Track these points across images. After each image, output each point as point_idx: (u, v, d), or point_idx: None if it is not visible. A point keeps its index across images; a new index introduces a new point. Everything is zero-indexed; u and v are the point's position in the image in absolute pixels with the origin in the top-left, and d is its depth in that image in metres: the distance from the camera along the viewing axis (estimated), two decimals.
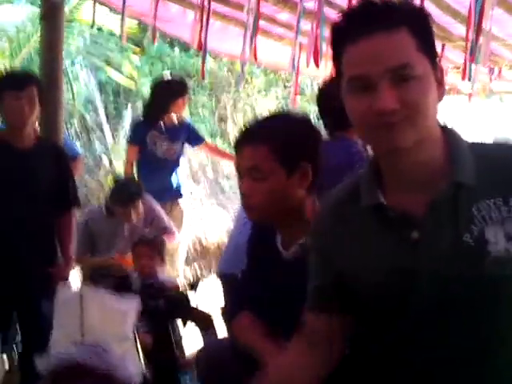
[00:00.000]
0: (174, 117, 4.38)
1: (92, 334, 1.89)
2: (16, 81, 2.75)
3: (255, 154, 1.70)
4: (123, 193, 3.65)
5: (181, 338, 3.12)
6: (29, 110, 2.70)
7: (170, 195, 4.37)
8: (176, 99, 4.32)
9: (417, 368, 1.25)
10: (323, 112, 2.60)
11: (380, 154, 1.23)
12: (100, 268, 3.47)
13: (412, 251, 1.19)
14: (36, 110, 2.75)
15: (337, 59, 1.20)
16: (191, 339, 3.32)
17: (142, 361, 2.08)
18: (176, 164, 4.44)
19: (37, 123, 3.16)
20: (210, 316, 3.08)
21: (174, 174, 4.42)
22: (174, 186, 4.42)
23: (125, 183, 3.82)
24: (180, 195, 4.47)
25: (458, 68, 3.84)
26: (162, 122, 4.32)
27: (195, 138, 4.63)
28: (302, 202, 1.73)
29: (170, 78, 4.79)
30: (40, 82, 2.87)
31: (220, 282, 3.23)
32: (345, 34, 1.17)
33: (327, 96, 2.54)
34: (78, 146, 7.17)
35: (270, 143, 1.68)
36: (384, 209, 1.21)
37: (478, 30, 2.53)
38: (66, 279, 2.90)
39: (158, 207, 3.91)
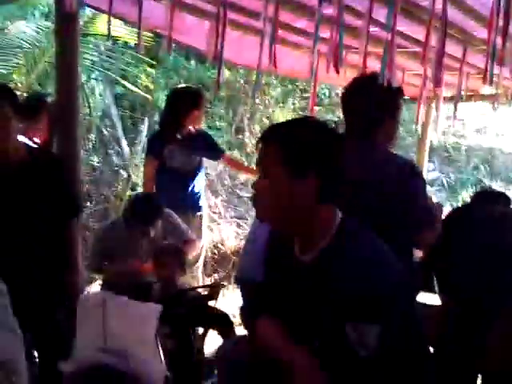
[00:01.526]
0: (191, 129, 4.39)
1: (115, 339, 1.90)
2: None
3: (266, 152, 1.76)
4: (142, 212, 3.63)
5: (202, 343, 3.11)
6: (4, 127, 2.66)
7: (189, 206, 4.36)
8: (192, 111, 4.32)
9: None
10: (352, 118, 2.55)
11: None
12: (120, 276, 3.48)
13: None
14: (11, 124, 2.69)
15: None
16: (212, 344, 3.32)
17: (165, 364, 2.07)
18: (194, 175, 4.44)
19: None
20: (227, 316, 3.07)
21: (192, 185, 4.42)
22: (193, 197, 4.42)
23: (144, 202, 3.78)
24: (199, 206, 4.47)
25: (479, 73, 3.81)
26: (179, 135, 4.32)
27: (214, 151, 4.63)
28: (311, 209, 1.74)
29: (185, 89, 4.76)
30: (14, 96, 2.81)
31: (239, 288, 3.22)
32: None
33: (355, 95, 2.51)
34: (95, 160, 7.26)
35: (280, 144, 1.73)
36: None
37: (504, 33, 2.50)
38: (76, 289, 2.87)
39: (177, 219, 3.91)
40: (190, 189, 4.40)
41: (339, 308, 1.65)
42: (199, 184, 4.51)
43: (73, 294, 2.81)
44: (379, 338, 1.62)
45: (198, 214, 4.46)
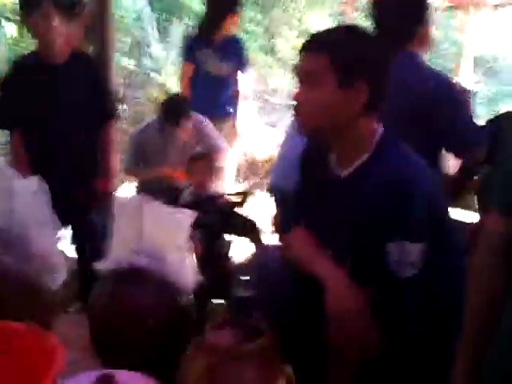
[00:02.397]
0: (227, 34, 4.32)
1: (150, 242, 1.97)
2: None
3: (314, 60, 1.68)
4: (171, 112, 3.68)
5: (229, 249, 3.20)
6: (47, 27, 2.69)
7: (221, 112, 4.36)
8: (230, 15, 4.25)
9: None
10: (385, 29, 2.48)
11: None
12: (150, 182, 3.56)
13: None
14: (58, 25, 2.71)
15: None
16: (241, 250, 3.42)
17: (197, 269, 2.16)
18: (227, 81, 4.40)
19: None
20: (255, 224, 3.14)
21: (224, 91, 4.39)
22: (225, 103, 4.42)
23: (172, 102, 3.82)
24: (231, 112, 4.47)
25: None
26: (214, 39, 4.27)
27: (244, 61, 4.46)
28: (357, 121, 1.70)
29: None
30: None
31: (272, 196, 3.27)
32: None
33: (389, 12, 2.44)
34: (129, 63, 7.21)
35: (331, 52, 1.66)
36: None
37: None
38: (110, 192, 2.95)
39: (208, 125, 3.93)
40: (223, 94, 4.38)
41: (376, 225, 1.64)
42: (233, 90, 4.48)
43: (107, 197, 2.90)
44: (422, 256, 1.61)
45: (230, 119, 4.47)
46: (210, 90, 4.27)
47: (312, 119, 1.71)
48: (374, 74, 1.68)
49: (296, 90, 1.75)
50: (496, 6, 4.90)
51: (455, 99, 2.40)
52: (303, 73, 1.72)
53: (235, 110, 4.51)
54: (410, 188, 1.62)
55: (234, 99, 4.48)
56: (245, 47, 4.58)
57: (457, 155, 2.52)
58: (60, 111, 2.79)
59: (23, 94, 2.78)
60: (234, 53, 4.37)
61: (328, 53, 1.66)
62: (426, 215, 1.63)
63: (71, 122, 2.81)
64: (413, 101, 2.31)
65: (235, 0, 4.30)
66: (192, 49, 4.31)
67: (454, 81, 2.64)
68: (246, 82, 4.52)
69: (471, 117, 2.47)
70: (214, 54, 4.27)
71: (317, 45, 1.71)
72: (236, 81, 4.48)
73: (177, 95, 4.16)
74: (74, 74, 2.81)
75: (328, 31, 1.78)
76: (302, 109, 1.73)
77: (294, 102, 1.76)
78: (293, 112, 1.79)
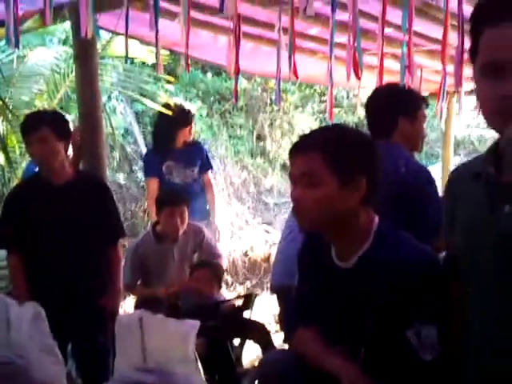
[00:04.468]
0: (185, 141, 4.40)
1: (154, 358, 1.91)
2: (27, 125, 2.87)
3: (308, 161, 1.70)
4: (172, 195, 3.73)
5: (240, 354, 3.12)
6: (45, 150, 2.77)
7: (196, 218, 4.19)
8: (180, 129, 4.34)
9: None
10: (371, 119, 2.68)
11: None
12: (150, 299, 3.50)
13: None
14: (55, 147, 2.79)
15: (474, 37, 1.18)
16: (250, 354, 3.33)
17: (205, 380, 2.09)
18: (196, 186, 4.43)
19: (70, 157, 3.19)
20: (265, 327, 3.08)
21: (196, 196, 4.34)
22: (198, 208, 4.32)
23: (173, 189, 3.82)
24: (205, 216, 4.44)
25: None
26: (173, 150, 4.33)
27: (206, 164, 4.53)
28: (355, 213, 1.72)
29: (177, 106, 4.59)
30: (55, 119, 2.92)
31: (276, 295, 3.23)
32: (486, 14, 1.14)
33: (375, 104, 2.66)
34: (121, 177, 7.31)
35: (323, 151, 1.69)
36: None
37: None
38: (116, 311, 2.91)
39: (206, 231, 3.92)
40: (194, 200, 4.36)
41: (387, 314, 1.63)
42: (203, 193, 4.49)
43: (111, 316, 2.85)
44: (439, 337, 1.59)
45: (206, 224, 4.37)
46: None
47: (313, 218, 1.72)
48: (371, 167, 1.72)
49: (293, 191, 1.76)
50: (472, 91, 5.04)
51: (421, 193, 2.48)
52: (299, 174, 1.73)
53: (209, 214, 4.47)
54: (416, 270, 1.62)
55: (205, 202, 4.47)
56: (207, 149, 4.67)
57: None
58: (65, 231, 2.80)
59: (26, 214, 2.82)
60: (197, 157, 4.43)
61: (322, 152, 1.68)
62: (438, 292, 1.62)
63: (76, 241, 2.82)
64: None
65: (185, 114, 4.40)
66: (154, 164, 4.36)
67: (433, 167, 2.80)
68: (215, 180, 4.52)
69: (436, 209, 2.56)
70: (176, 164, 4.31)
71: (308, 146, 1.73)
72: (206, 183, 4.51)
73: (175, 188, 4.14)
74: (79, 194, 2.85)
75: (317, 131, 1.84)
76: (301, 208, 1.74)
77: (292, 202, 1.77)
78: (289, 210, 1.80)
